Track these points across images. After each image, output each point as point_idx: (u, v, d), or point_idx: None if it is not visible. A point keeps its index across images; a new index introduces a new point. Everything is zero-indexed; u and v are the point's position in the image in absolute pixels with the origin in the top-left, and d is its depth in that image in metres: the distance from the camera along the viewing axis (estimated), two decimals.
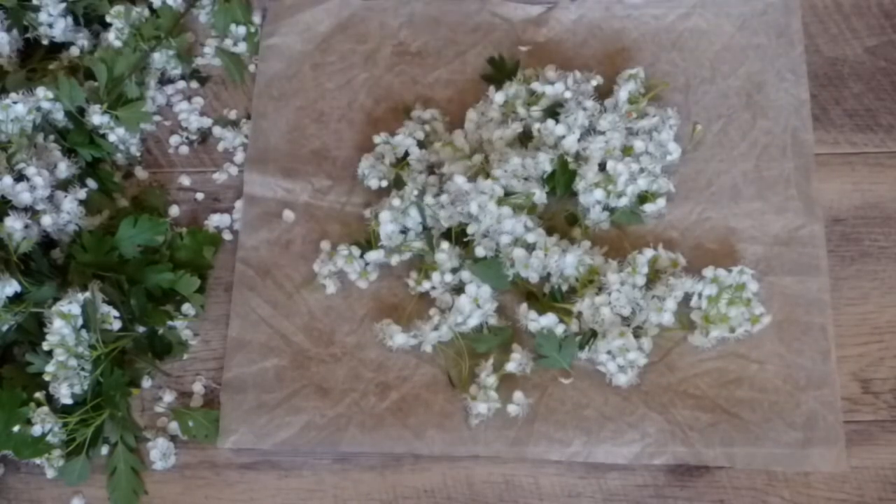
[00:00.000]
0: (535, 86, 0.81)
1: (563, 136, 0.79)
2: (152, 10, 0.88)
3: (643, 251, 0.76)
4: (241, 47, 0.90)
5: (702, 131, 0.83)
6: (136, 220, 0.78)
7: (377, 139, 0.82)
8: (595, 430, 0.74)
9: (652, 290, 0.75)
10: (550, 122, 0.80)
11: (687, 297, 0.76)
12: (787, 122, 0.83)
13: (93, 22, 0.89)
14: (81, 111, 0.82)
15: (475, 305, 0.75)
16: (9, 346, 0.77)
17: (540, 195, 0.77)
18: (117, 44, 0.86)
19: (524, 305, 0.76)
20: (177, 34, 0.88)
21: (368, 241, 0.80)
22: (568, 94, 0.80)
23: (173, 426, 0.77)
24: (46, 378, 0.73)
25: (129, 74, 0.84)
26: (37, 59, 0.88)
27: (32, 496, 0.76)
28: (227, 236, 0.83)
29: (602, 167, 0.79)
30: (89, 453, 0.75)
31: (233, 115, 0.88)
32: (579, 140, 0.79)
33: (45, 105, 0.81)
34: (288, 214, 0.83)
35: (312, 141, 0.85)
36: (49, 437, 0.73)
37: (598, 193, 0.78)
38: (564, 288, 0.77)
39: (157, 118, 0.87)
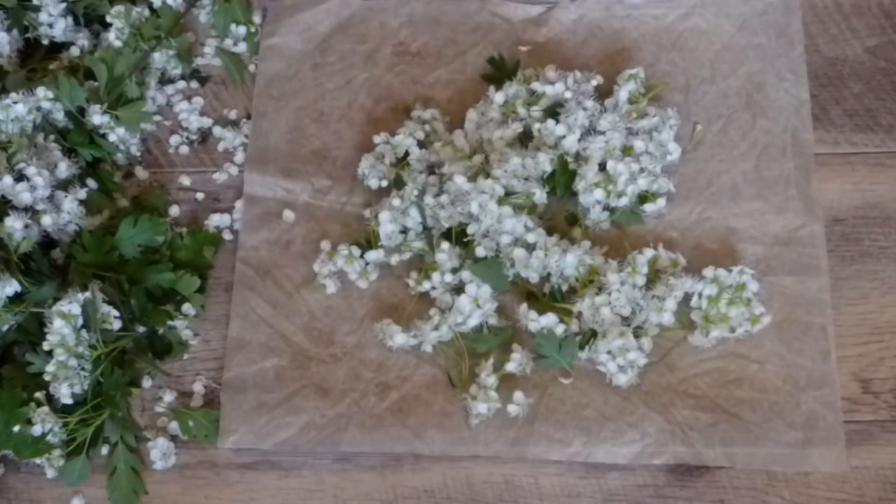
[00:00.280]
0: (536, 86, 0.81)
1: (564, 136, 0.79)
2: (152, 10, 0.88)
3: (643, 251, 0.76)
4: (242, 47, 0.90)
5: (702, 131, 0.83)
6: (136, 220, 0.78)
7: (377, 139, 0.82)
8: (595, 430, 0.74)
9: (652, 290, 0.75)
10: (550, 122, 0.80)
11: (687, 297, 0.76)
12: (787, 122, 0.83)
13: (93, 22, 0.89)
14: (81, 111, 0.82)
15: (475, 305, 0.75)
16: (9, 346, 0.77)
17: (540, 195, 0.77)
18: (117, 44, 0.86)
19: (524, 305, 0.76)
20: (177, 34, 0.88)
21: (368, 241, 0.80)
22: (568, 94, 0.80)
23: (173, 426, 0.77)
24: (46, 378, 0.73)
25: (130, 74, 0.84)
26: (37, 59, 0.88)
27: (32, 496, 0.76)
28: (227, 236, 0.83)
29: (602, 167, 0.79)
30: (89, 453, 0.75)
31: (233, 115, 0.88)
32: (579, 140, 0.79)
33: (46, 105, 0.81)
34: (288, 214, 0.83)
35: (312, 141, 0.85)
36: (49, 437, 0.73)
37: (598, 193, 0.78)
38: (564, 288, 0.77)
39: (157, 118, 0.87)
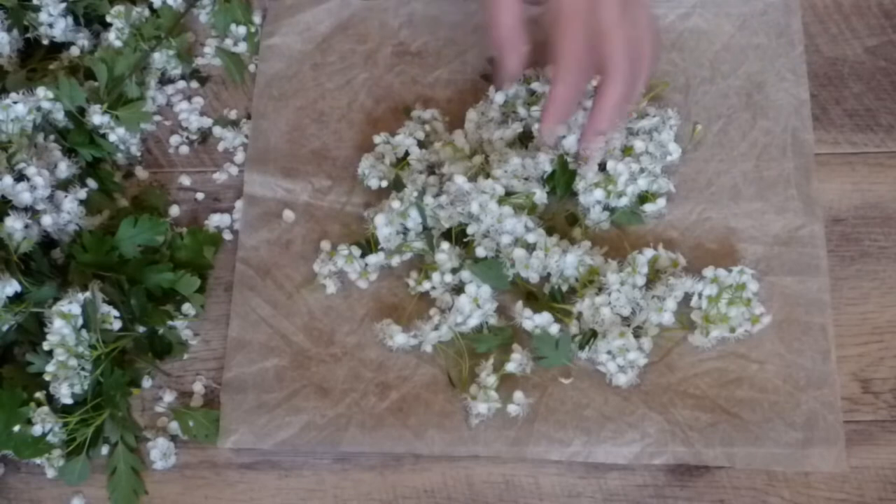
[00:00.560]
0: (535, 86, 0.81)
1: (563, 136, 0.79)
2: (152, 10, 0.88)
3: (643, 251, 0.76)
4: (241, 47, 0.90)
5: (702, 131, 0.83)
6: (136, 220, 0.78)
7: (377, 139, 0.82)
8: (595, 430, 0.74)
9: (652, 290, 0.75)
10: None
11: (687, 297, 0.76)
12: (787, 122, 0.83)
13: (93, 22, 0.89)
14: (81, 111, 0.82)
15: (475, 305, 0.75)
16: (9, 346, 0.77)
17: (540, 195, 0.78)
18: (117, 44, 0.86)
19: (520, 303, 0.76)
20: (177, 34, 0.88)
21: (369, 241, 0.80)
22: None
23: (173, 426, 0.77)
24: (46, 378, 0.73)
25: (130, 74, 0.84)
26: (37, 59, 0.88)
27: (32, 496, 0.76)
28: (227, 236, 0.83)
29: (602, 167, 0.79)
30: (89, 453, 0.75)
31: (233, 115, 0.88)
32: (579, 140, 0.79)
33: (46, 105, 0.81)
34: (288, 214, 0.83)
35: (312, 141, 0.85)
36: (49, 437, 0.73)
37: (598, 193, 0.78)
38: (564, 288, 0.77)
39: (157, 118, 0.87)
